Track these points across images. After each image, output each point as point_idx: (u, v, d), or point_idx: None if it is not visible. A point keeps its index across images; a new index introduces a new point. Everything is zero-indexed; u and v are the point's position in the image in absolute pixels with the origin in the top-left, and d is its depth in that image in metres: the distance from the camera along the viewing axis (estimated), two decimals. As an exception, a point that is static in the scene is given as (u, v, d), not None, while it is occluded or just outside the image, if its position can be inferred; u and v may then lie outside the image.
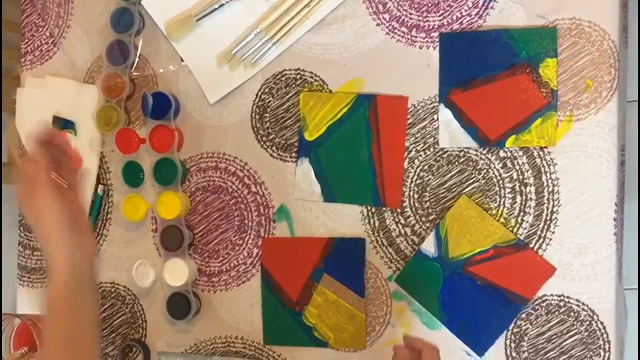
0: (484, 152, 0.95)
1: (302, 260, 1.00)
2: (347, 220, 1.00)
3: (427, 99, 0.97)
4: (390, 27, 0.99)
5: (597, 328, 0.91)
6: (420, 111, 0.97)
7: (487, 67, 0.94)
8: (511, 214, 0.94)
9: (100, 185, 1.11)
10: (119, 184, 1.10)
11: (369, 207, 0.99)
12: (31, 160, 0.81)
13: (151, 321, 1.09)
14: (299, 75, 1.03)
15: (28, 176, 0.80)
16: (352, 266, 0.98)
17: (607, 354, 0.91)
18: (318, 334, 1.00)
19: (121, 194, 1.10)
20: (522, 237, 0.93)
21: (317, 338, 1.00)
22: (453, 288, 0.95)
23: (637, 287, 1.53)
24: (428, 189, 0.97)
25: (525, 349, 0.94)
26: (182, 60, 1.07)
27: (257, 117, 1.04)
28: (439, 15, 0.97)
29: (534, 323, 0.93)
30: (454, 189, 0.96)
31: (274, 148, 1.04)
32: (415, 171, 0.98)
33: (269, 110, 1.04)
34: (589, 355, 0.92)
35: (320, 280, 0.99)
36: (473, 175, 0.96)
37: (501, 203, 0.94)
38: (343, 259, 0.99)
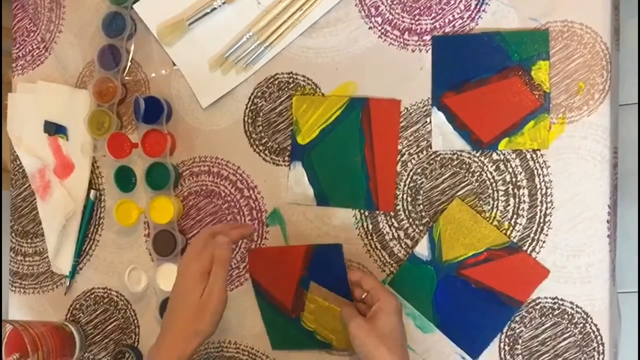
0: (477, 154, 0.95)
1: (288, 269, 0.98)
2: (340, 223, 1.00)
3: (420, 102, 0.97)
4: (383, 31, 0.99)
5: (591, 330, 0.91)
6: (413, 114, 0.97)
7: (479, 70, 0.94)
8: (504, 217, 0.94)
9: (92, 190, 1.10)
10: (111, 189, 1.09)
11: (362, 211, 0.99)
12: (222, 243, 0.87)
13: (144, 326, 1.08)
14: (292, 79, 1.02)
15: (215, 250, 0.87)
16: (334, 272, 0.95)
17: (601, 356, 0.91)
18: (320, 336, 0.99)
19: (113, 198, 1.09)
20: (515, 240, 0.93)
21: (321, 341, 0.99)
22: (447, 291, 0.95)
23: (636, 290, 1.53)
24: (421, 192, 0.97)
25: (520, 351, 0.94)
26: (174, 65, 1.07)
27: (250, 121, 1.04)
28: (432, 19, 0.97)
29: (527, 326, 0.93)
30: (447, 192, 0.96)
31: (266, 152, 1.03)
32: (409, 174, 0.98)
33: (261, 114, 1.04)
34: (583, 358, 0.91)
35: (309, 288, 0.98)
36: (466, 178, 0.96)
37: (494, 206, 0.94)
38: (324, 266, 0.97)
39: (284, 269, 0.98)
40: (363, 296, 0.91)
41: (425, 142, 0.97)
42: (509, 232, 0.94)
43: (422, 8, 0.97)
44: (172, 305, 0.88)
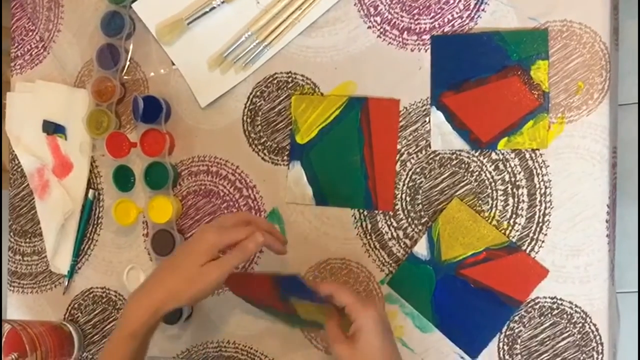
0: (476, 154, 0.95)
1: (262, 292, 0.92)
2: (339, 223, 1.00)
3: (419, 102, 0.97)
4: (382, 30, 0.99)
5: (590, 330, 0.91)
6: (412, 114, 0.97)
7: (478, 70, 0.94)
8: (503, 217, 0.94)
9: (91, 190, 1.10)
10: (110, 188, 1.09)
11: (361, 210, 0.99)
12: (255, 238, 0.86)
13: (142, 326, 1.08)
14: (291, 79, 1.02)
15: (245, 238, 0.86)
16: (306, 295, 0.85)
17: (600, 356, 0.91)
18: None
19: (112, 198, 1.09)
20: (514, 240, 0.93)
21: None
22: (446, 291, 0.95)
23: (636, 290, 1.53)
24: (420, 191, 0.97)
25: (519, 351, 0.93)
26: (173, 64, 1.07)
27: (249, 120, 1.04)
28: (431, 18, 0.97)
29: (527, 325, 0.93)
30: (446, 192, 0.96)
31: (265, 151, 1.03)
32: (408, 174, 0.97)
33: (260, 113, 1.04)
34: (582, 358, 0.91)
35: (291, 299, 0.90)
36: (465, 178, 0.95)
37: (493, 205, 0.94)
38: (293, 290, 0.87)
39: (258, 292, 0.93)
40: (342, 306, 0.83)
41: (424, 141, 0.97)
42: (508, 232, 0.94)
43: (421, 7, 0.97)
44: (175, 262, 0.87)
